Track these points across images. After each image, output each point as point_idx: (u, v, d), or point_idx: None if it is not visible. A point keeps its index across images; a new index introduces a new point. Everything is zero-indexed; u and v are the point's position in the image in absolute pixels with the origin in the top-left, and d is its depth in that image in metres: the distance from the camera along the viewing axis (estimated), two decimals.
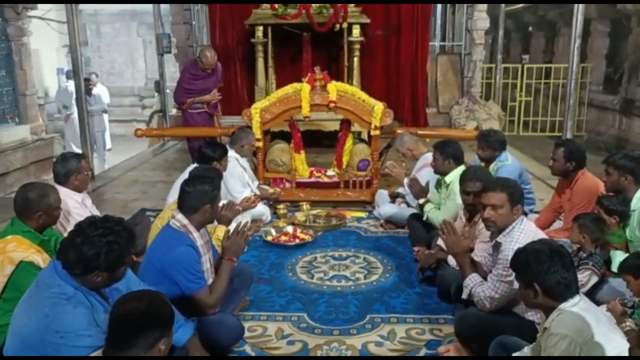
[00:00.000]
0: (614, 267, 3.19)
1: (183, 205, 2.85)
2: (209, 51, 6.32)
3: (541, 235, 2.80)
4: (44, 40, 12.11)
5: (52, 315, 2.04)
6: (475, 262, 3.03)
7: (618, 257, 3.22)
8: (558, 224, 4.30)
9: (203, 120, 6.46)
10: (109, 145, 10.41)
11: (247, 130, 5.16)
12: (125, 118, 13.99)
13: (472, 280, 2.87)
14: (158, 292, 1.92)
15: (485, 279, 2.89)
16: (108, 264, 2.12)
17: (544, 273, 2.08)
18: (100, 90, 10.28)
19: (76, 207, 3.49)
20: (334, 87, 5.29)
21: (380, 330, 3.20)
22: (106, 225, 2.15)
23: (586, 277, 3.01)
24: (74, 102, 8.50)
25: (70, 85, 9.44)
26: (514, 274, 2.63)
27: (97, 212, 3.87)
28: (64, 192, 3.39)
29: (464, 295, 2.89)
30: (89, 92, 9.42)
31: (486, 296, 2.74)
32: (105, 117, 10.33)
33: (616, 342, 2.01)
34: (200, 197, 2.82)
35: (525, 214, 3.06)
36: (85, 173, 3.62)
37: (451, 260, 3.46)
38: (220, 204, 3.21)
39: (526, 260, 2.14)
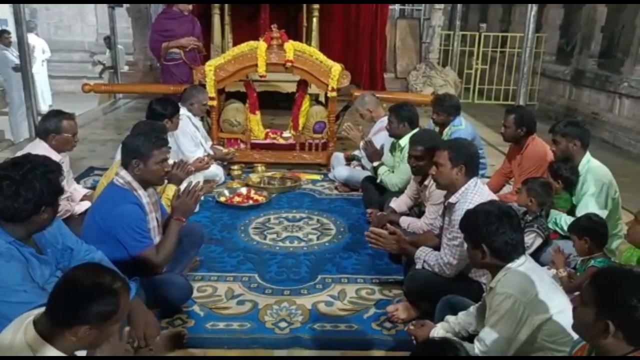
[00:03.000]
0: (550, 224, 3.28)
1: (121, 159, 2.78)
2: None
3: (493, 197, 2.84)
4: None
5: None
6: (413, 240, 3.09)
7: (556, 216, 3.31)
8: (507, 189, 4.39)
9: (181, 74, 6.17)
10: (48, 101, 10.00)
11: (200, 88, 5.00)
12: (75, 74, 13.40)
13: (422, 252, 2.89)
14: (112, 280, 1.71)
15: (432, 247, 2.93)
16: (52, 195, 2.07)
17: (492, 234, 2.10)
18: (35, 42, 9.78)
19: None
20: (291, 46, 5.16)
21: (331, 290, 3.21)
22: (28, 161, 2.07)
23: (531, 240, 3.08)
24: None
25: None
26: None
27: (70, 175, 3.75)
28: (43, 147, 3.35)
29: (419, 266, 2.89)
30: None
31: (444, 263, 2.75)
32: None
33: (557, 301, 2.06)
34: (128, 152, 2.73)
35: None
36: (66, 134, 3.47)
37: (403, 222, 3.50)
38: (171, 162, 3.11)
39: (476, 221, 2.16)
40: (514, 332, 2.04)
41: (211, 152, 4.92)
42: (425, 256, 2.85)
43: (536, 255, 3.03)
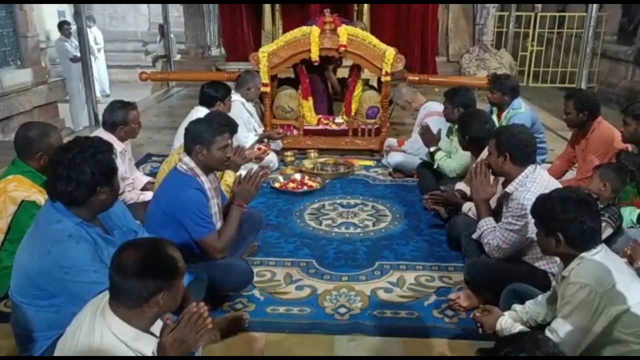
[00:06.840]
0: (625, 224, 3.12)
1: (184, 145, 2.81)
2: None
3: (555, 183, 2.74)
4: None
5: (55, 252, 2.00)
6: (493, 211, 2.98)
7: (628, 213, 3.15)
8: (569, 175, 4.24)
9: None
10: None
11: (254, 72, 5.02)
12: (128, 64, 13.75)
13: (486, 223, 2.83)
14: (164, 241, 1.78)
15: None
16: (105, 175, 2.08)
17: (570, 222, 2.00)
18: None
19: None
20: (344, 30, 5.11)
21: (390, 276, 3.18)
22: (77, 145, 2.09)
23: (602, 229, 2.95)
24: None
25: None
26: (523, 223, 2.60)
27: (132, 162, 3.87)
28: (109, 139, 3.37)
29: (475, 236, 2.87)
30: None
31: (494, 245, 2.71)
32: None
33: (637, 292, 1.95)
34: (191, 137, 2.73)
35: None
36: (132, 125, 3.56)
37: (465, 207, 3.42)
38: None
39: (552, 208, 2.04)
40: (588, 323, 1.95)
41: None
42: (485, 229, 2.80)
43: (607, 245, 2.90)
